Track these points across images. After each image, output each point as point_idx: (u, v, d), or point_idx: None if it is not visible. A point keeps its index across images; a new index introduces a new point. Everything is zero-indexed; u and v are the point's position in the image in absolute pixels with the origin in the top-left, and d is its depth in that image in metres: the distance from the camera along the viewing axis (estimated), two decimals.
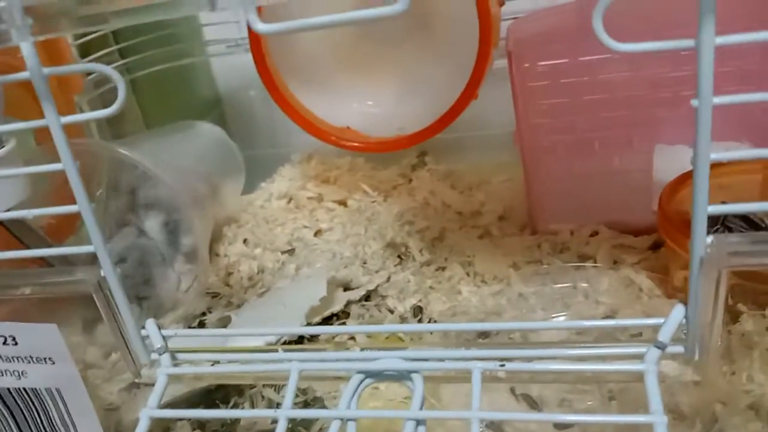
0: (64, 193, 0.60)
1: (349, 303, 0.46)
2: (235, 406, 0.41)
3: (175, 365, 0.29)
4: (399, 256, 0.56)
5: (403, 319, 0.47)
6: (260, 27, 0.22)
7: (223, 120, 0.86)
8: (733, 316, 0.40)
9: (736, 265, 0.22)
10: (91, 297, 0.30)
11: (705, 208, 0.22)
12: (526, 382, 0.35)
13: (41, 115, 0.25)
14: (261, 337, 0.41)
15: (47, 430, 0.35)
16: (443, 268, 0.54)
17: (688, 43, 0.20)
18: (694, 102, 0.21)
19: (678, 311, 0.24)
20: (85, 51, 0.65)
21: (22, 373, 0.33)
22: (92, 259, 0.43)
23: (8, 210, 0.40)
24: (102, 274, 0.28)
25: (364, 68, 0.65)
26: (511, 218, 0.59)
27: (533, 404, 0.39)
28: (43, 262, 0.45)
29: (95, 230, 0.26)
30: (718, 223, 0.49)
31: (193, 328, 0.52)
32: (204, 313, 0.53)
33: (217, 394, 0.40)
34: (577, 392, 0.39)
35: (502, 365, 0.24)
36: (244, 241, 0.61)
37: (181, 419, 0.33)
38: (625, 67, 0.47)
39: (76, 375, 0.32)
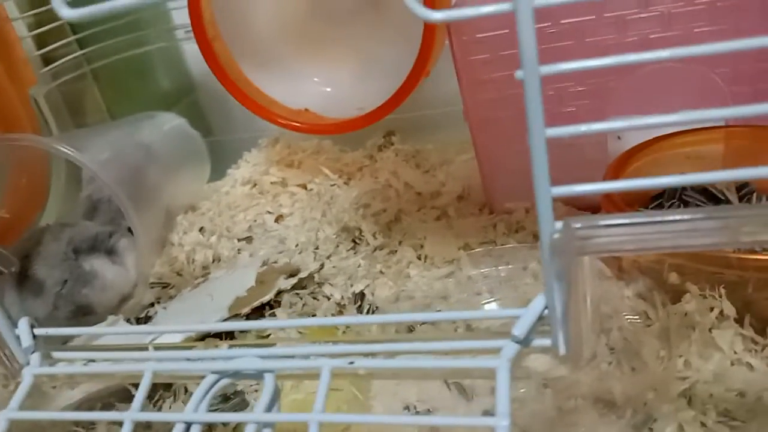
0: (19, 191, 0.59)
1: (280, 292, 0.45)
2: (161, 399, 0.41)
3: (51, 364, 0.28)
4: (353, 240, 0.55)
5: (340, 307, 0.46)
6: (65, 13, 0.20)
7: (198, 106, 0.85)
8: (676, 295, 0.38)
9: (591, 252, 0.20)
10: None
11: (548, 190, 0.20)
12: (389, 379, 0.34)
13: None
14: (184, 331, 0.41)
15: None
16: (395, 252, 0.52)
17: (505, 6, 0.18)
18: (519, 73, 0.19)
19: (538, 302, 0.22)
20: (41, 42, 0.65)
21: None
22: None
23: None
24: None
25: (318, 48, 0.63)
26: (470, 198, 0.56)
27: (463, 392, 0.38)
28: None
29: None
30: (675, 197, 0.46)
31: (141, 318, 0.51)
32: (152, 304, 0.52)
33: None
34: None
35: (351, 363, 0.22)
36: (200, 229, 0.60)
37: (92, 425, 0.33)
38: (568, 37, 0.44)
39: None
